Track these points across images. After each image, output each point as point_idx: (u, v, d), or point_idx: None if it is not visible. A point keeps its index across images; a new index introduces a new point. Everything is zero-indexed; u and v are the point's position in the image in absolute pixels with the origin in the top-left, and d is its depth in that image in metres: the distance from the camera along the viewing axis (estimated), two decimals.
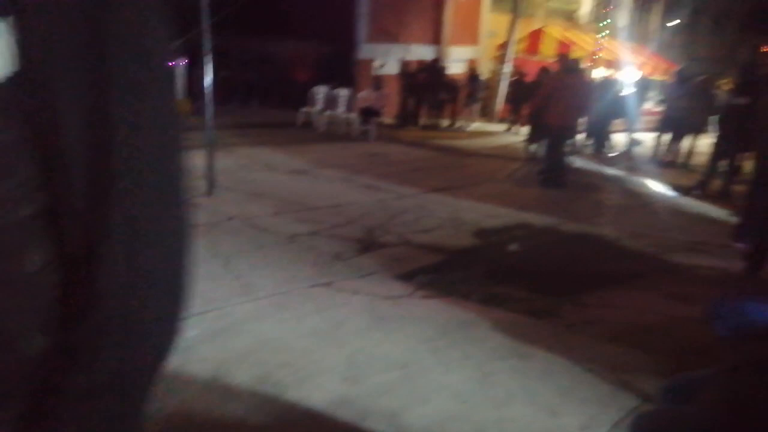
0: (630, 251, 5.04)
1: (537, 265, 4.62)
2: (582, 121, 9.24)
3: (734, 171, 7.34)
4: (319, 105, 12.13)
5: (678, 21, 24.54)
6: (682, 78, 10.63)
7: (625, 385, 2.71)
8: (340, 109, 11.88)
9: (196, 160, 7.23)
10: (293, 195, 6.24)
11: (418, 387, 2.62)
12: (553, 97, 7.63)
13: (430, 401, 2.50)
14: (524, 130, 11.92)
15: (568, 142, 7.83)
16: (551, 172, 7.79)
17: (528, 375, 2.76)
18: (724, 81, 13.63)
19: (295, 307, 3.43)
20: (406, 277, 4.05)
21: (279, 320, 3.25)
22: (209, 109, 6.06)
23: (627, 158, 10.83)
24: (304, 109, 12.15)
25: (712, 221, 6.33)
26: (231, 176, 6.86)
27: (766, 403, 1.26)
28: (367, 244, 4.78)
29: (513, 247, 5.07)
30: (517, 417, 2.41)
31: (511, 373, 2.78)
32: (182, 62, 12.05)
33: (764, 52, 31.80)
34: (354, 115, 11.63)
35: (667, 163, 10.29)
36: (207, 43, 5.83)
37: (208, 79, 6.01)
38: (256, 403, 2.43)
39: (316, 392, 2.53)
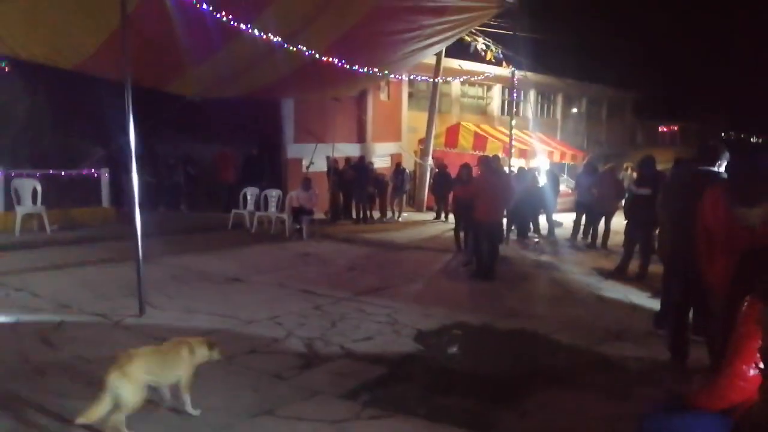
0: (562, 346, 5.23)
1: (476, 368, 4.69)
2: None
3: (647, 255, 7.89)
4: (249, 206, 12.16)
5: (576, 110, 26.90)
6: (589, 169, 11.71)
7: None
8: (272, 210, 11.95)
9: (124, 275, 6.99)
10: (228, 308, 6.11)
11: None
12: (480, 197, 8.09)
13: None
14: (452, 218, 12.41)
15: (498, 235, 8.21)
16: (481, 267, 8.10)
17: None
18: (627, 165, 14.87)
19: None
20: (351, 395, 4.01)
21: None
22: (136, 217, 5.85)
23: (549, 242, 11.44)
24: (235, 211, 12.13)
25: (633, 307, 6.72)
26: (162, 291, 6.66)
27: None
28: (309, 359, 4.72)
29: (452, 350, 5.16)
30: None
31: None
32: (105, 170, 11.88)
33: (661, 131, 35.13)
34: (285, 215, 11.71)
35: (588, 246, 10.95)
36: (131, 148, 5.80)
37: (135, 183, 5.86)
38: None
39: None
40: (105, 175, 11.88)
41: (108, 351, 4.70)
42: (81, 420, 3.04)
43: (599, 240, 10.80)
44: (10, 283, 6.88)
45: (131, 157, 5.88)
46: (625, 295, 7.24)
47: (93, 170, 11.88)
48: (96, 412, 3.03)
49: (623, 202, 9.78)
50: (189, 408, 3.51)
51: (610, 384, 4.31)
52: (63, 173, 11.44)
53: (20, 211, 10.18)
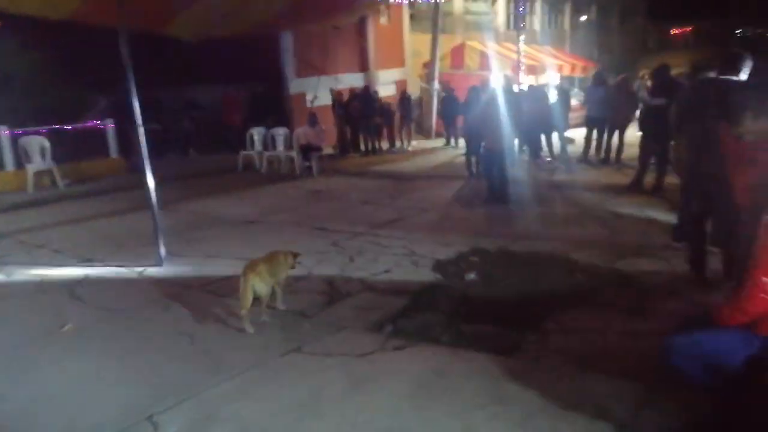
0: (580, 265, 5.25)
1: (495, 293, 4.75)
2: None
3: (663, 168, 7.77)
4: (257, 146, 12.08)
5: (586, 18, 25.81)
6: (597, 81, 11.35)
7: (603, 416, 2.84)
8: (279, 149, 11.87)
9: (140, 224, 7.07)
10: (247, 251, 6.16)
11: None
12: (486, 124, 7.94)
13: None
14: (462, 143, 12.25)
15: (506, 160, 8.09)
16: (492, 192, 8.06)
17: (509, 421, 2.86)
18: (641, 74, 14.42)
19: (270, 381, 3.41)
20: (375, 327, 4.10)
21: (256, 399, 3.22)
22: (146, 167, 5.84)
23: (562, 160, 11.29)
24: (244, 152, 12.07)
25: (651, 221, 6.68)
26: (179, 237, 6.74)
27: None
28: (331, 296, 4.80)
29: (471, 276, 5.21)
30: None
31: (493, 422, 2.86)
32: (110, 121, 11.79)
33: (674, 34, 33.76)
34: (294, 153, 11.64)
35: (601, 161, 10.81)
36: (133, 96, 5.73)
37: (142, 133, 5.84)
38: None
39: None
40: (110, 126, 11.80)
41: (135, 302, 4.84)
42: (243, 311, 4.10)
43: (613, 155, 10.63)
44: (30, 241, 7.00)
45: (134, 105, 5.80)
46: (641, 209, 7.19)
47: (98, 122, 11.79)
48: (247, 303, 4.09)
49: (638, 113, 9.54)
50: (281, 304, 4.47)
51: (631, 300, 4.35)
52: (69, 127, 11.36)
53: (31, 168, 10.22)
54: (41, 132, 10.65)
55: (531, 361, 3.50)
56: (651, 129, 7.80)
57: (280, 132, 11.92)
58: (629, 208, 7.34)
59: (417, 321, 4.21)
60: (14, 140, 10.43)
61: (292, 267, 4.51)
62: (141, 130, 5.86)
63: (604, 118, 10.60)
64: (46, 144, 10.46)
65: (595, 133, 11.07)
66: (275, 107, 14.11)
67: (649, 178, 8.11)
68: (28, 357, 3.94)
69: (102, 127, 11.78)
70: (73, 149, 11.25)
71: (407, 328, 4.09)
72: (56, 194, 10.04)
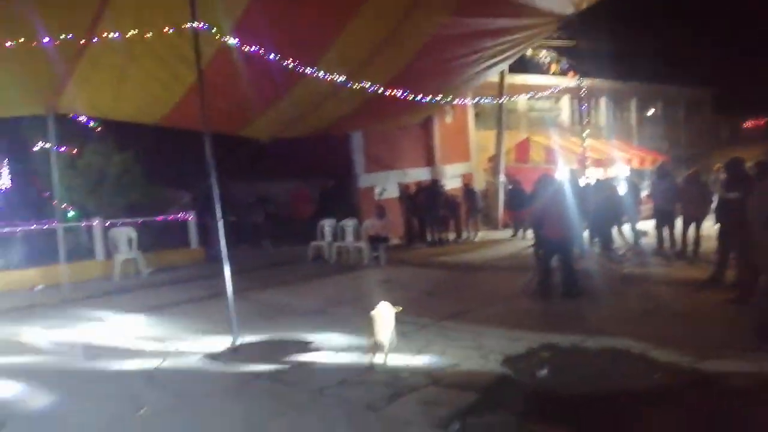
0: (658, 364, 5.00)
1: (568, 391, 4.57)
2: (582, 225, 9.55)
3: (744, 263, 7.40)
4: (327, 237, 12.49)
5: (653, 111, 25.79)
6: (661, 173, 11.26)
7: None
8: (348, 239, 12.21)
9: (215, 311, 7.41)
10: (316, 339, 6.28)
11: None
12: (546, 214, 7.97)
13: None
14: (530, 234, 12.18)
15: (568, 251, 8.00)
16: (545, 285, 7.93)
17: None
18: (717, 166, 14.08)
19: None
20: (443, 424, 4.01)
21: None
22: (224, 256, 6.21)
23: (635, 253, 10.96)
24: (314, 243, 12.50)
25: (732, 319, 6.32)
26: (251, 325, 6.93)
27: None
28: (397, 388, 4.75)
29: (542, 373, 5.05)
30: None
31: None
32: (191, 214, 12.61)
33: (747, 128, 33.02)
34: (363, 244, 11.93)
35: (676, 255, 10.41)
36: (214, 192, 6.19)
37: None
38: None
39: None
40: (191, 218, 12.61)
41: (209, 387, 4.99)
42: (371, 343, 5.26)
43: (690, 248, 10.24)
44: (113, 325, 7.41)
45: (215, 200, 6.26)
46: (722, 306, 6.82)
47: (180, 214, 12.65)
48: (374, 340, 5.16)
49: (714, 206, 9.26)
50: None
51: (714, 404, 4.08)
52: (154, 219, 12.24)
53: (118, 258, 10.97)
54: (129, 224, 11.52)
55: None
56: (728, 222, 7.54)
57: (350, 223, 12.32)
58: (709, 304, 6.99)
59: (486, 418, 4.09)
60: (104, 231, 11.31)
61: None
62: (221, 224, 6.27)
63: (671, 210, 10.34)
64: (133, 234, 11.26)
65: (666, 227, 10.77)
66: (345, 200, 14.69)
67: (730, 275, 7.73)
68: None
69: (184, 218, 12.61)
70: (157, 239, 12.06)
71: (476, 425, 3.98)
72: (140, 282, 10.66)
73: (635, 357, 5.23)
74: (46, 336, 7.02)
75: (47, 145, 10.55)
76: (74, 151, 12.30)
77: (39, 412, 4.64)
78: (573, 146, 17.32)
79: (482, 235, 15.42)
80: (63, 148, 11.33)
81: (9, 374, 5.54)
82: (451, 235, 14.85)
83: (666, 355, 5.17)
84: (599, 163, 16.72)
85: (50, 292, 9.81)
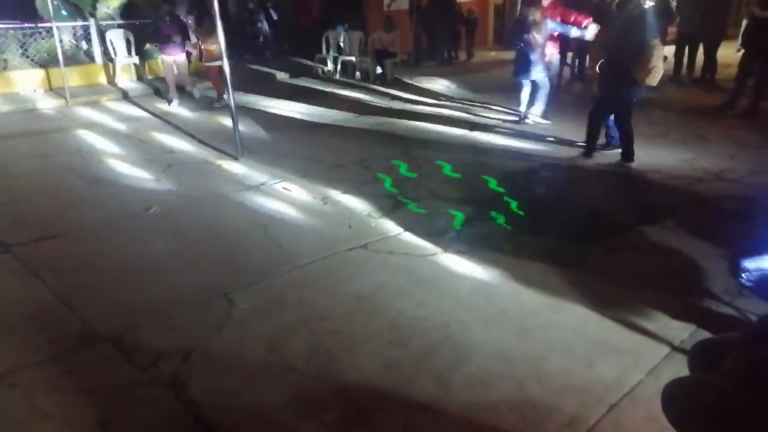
0: (656, 184, 5.08)
1: (564, 208, 4.70)
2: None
3: (761, 89, 7.14)
4: (332, 50, 11.96)
5: None
6: None
7: (657, 333, 2.84)
8: (355, 54, 11.69)
9: (219, 122, 7.44)
10: (317, 153, 6.32)
11: (461, 347, 2.79)
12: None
13: (472, 360, 2.68)
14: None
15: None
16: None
17: (563, 328, 2.92)
18: None
19: (336, 272, 3.60)
20: (438, 232, 4.17)
21: (323, 288, 3.42)
22: (226, 69, 6.01)
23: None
24: (318, 55, 12.01)
25: (740, 144, 6.26)
26: (256, 136, 6.97)
27: None
28: (397, 200, 4.88)
29: (539, 190, 5.14)
30: (555, 371, 2.58)
31: (547, 328, 2.93)
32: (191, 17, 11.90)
33: None
34: (369, 59, 11.46)
35: (691, 81, 10.00)
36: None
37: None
38: (312, 373, 2.62)
39: (365, 358, 2.71)
40: (190, 23, 11.90)
41: (214, 189, 5.14)
42: None
43: (707, 73, 9.71)
44: (131, 134, 7.46)
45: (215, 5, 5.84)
46: (730, 132, 6.73)
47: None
48: None
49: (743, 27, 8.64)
50: None
51: (706, 223, 4.20)
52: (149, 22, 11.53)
53: (117, 62, 10.64)
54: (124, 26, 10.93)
55: (593, 274, 3.50)
56: (755, 45, 7.09)
57: (356, 36, 11.70)
58: (717, 129, 6.89)
59: (481, 230, 4.24)
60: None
61: None
62: (220, 32, 5.90)
63: (695, 31, 9.57)
64: (131, 37, 10.76)
65: (685, 49, 10.11)
66: (352, 9, 13.73)
67: (745, 101, 7.50)
68: (121, 232, 4.32)
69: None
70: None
71: (470, 235, 4.14)
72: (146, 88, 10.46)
73: (634, 177, 5.33)
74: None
75: None
76: None
77: None
78: None
79: (494, 55, 14.81)
80: None
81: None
82: (462, 56, 14.22)
83: (664, 177, 5.25)
84: None
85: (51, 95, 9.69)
